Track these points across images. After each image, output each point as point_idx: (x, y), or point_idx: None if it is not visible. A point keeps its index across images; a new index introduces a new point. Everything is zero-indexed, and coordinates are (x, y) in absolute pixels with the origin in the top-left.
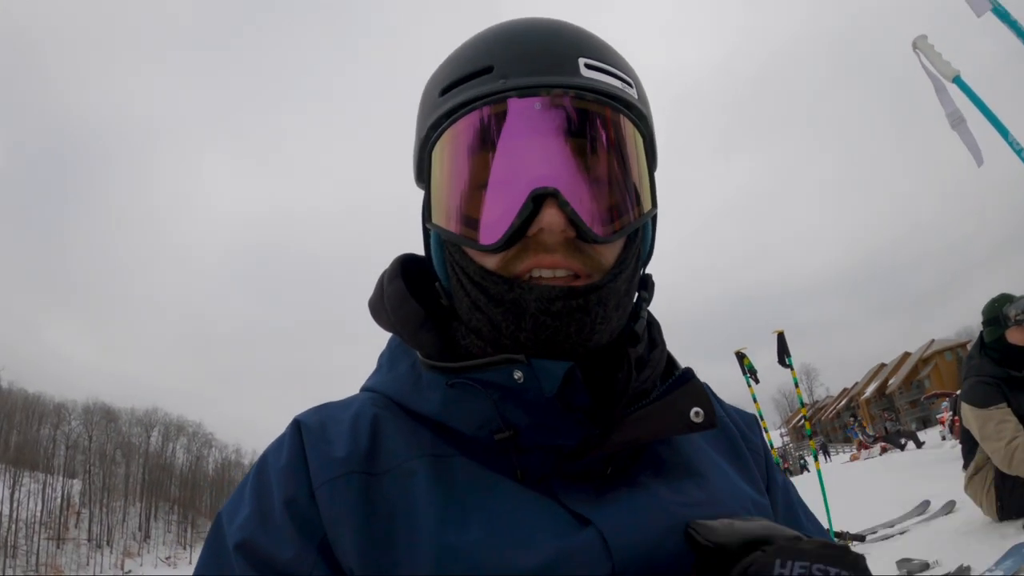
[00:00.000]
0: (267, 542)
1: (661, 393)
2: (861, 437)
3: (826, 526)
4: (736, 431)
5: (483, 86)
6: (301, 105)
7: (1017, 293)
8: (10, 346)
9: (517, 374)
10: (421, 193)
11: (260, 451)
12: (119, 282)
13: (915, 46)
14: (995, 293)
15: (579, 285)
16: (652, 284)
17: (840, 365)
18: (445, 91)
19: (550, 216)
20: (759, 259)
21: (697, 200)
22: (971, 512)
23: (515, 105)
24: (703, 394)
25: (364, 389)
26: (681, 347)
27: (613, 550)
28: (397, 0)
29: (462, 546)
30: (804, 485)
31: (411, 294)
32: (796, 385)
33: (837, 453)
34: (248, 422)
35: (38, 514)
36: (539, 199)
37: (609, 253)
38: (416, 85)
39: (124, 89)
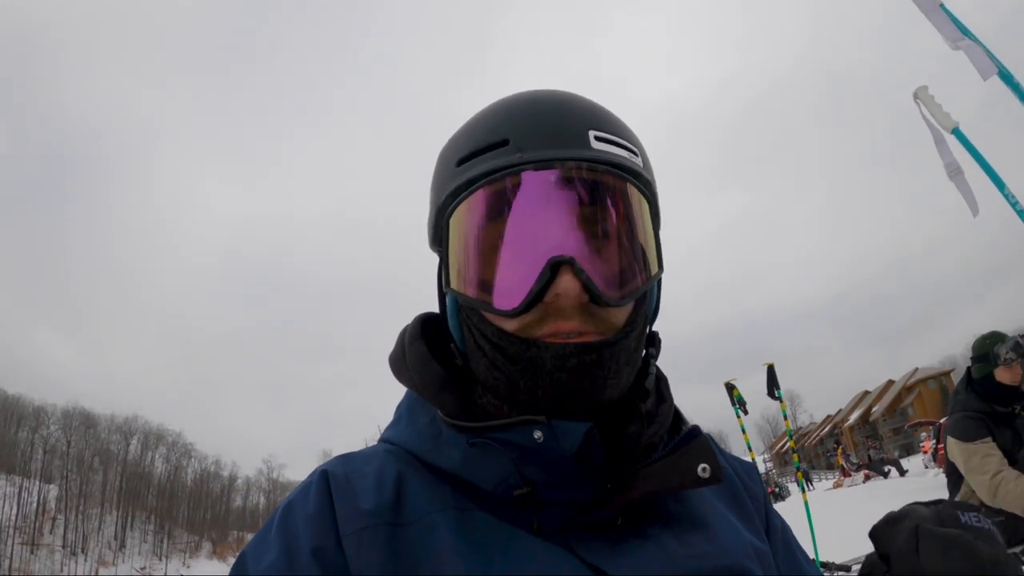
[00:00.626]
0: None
1: (671, 449)
2: (844, 464)
3: (812, 555)
4: (738, 481)
5: (500, 159)
6: (299, 115)
7: (999, 326)
8: None
9: (537, 434)
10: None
11: (240, 463)
12: (106, 285)
13: (916, 96)
14: (977, 324)
15: (592, 341)
16: (659, 341)
17: (824, 392)
18: (462, 161)
19: (566, 282)
20: (746, 288)
21: (685, 230)
22: None
23: (531, 178)
24: (709, 450)
25: (384, 440)
26: (667, 373)
27: None
28: (398, 15)
29: None
30: (787, 512)
31: (431, 354)
32: (785, 417)
33: (820, 480)
34: (229, 433)
35: (12, 518)
36: (556, 266)
37: (620, 314)
38: (416, 105)
39: (117, 92)
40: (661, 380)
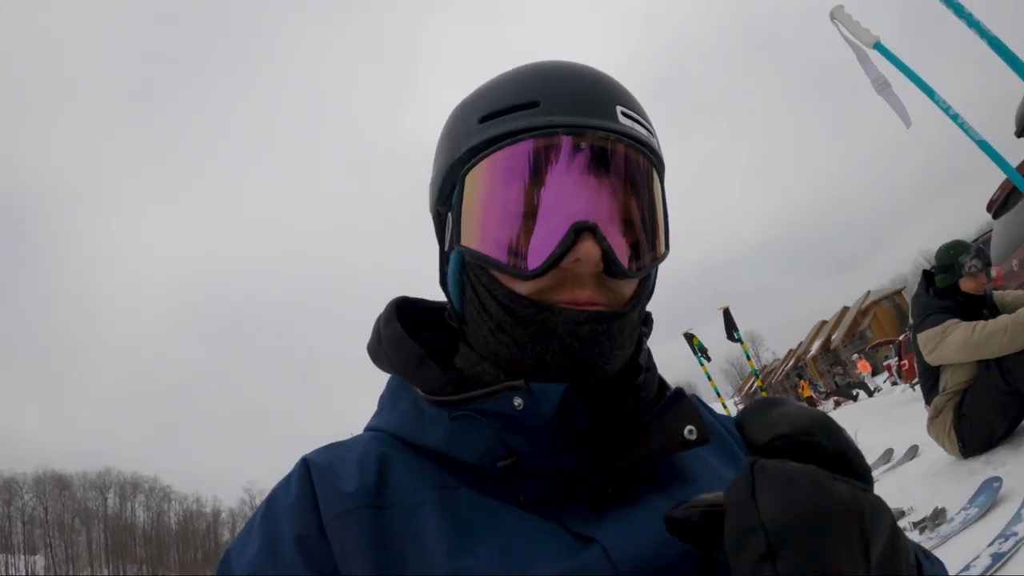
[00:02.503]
0: (289, 562)
1: (656, 414)
2: (813, 394)
3: None
4: (728, 435)
5: (530, 119)
6: (232, 147)
7: (945, 238)
8: None
9: (517, 401)
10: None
11: (221, 497)
12: (57, 350)
13: (832, 16)
14: (922, 241)
15: (605, 311)
16: (651, 320)
17: (783, 329)
18: (486, 119)
19: (587, 248)
20: (690, 239)
21: None
22: (935, 453)
23: (563, 141)
24: (695, 412)
25: (368, 429)
26: None
27: (617, 564)
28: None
29: (472, 570)
30: None
31: (408, 334)
32: (748, 358)
33: None
34: (203, 470)
35: None
36: (579, 232)
37: (628, 288)
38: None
39: (36, 148)
40: (646, 351)
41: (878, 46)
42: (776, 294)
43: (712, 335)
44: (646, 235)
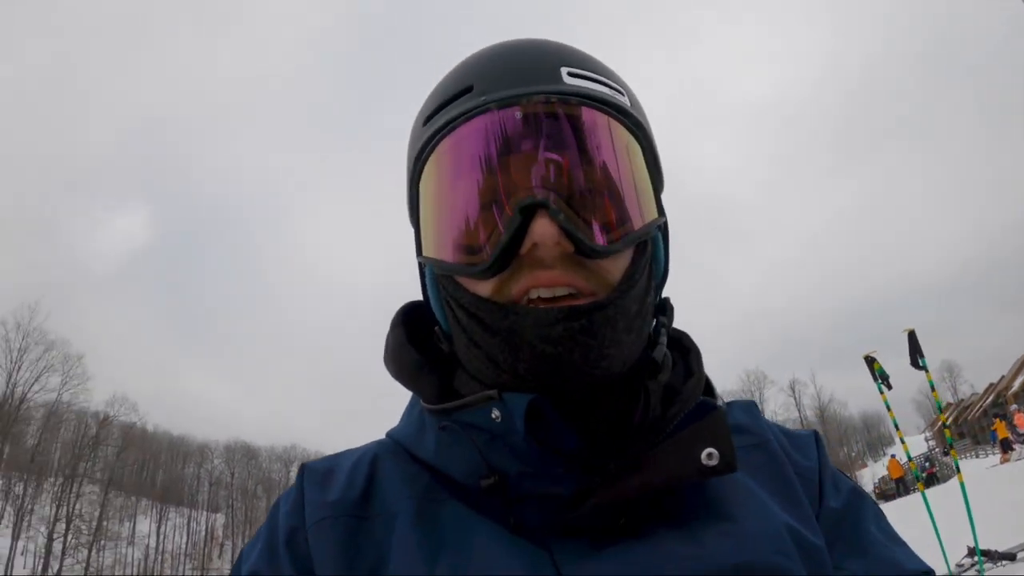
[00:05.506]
0: (272, 562)
1: (671, 431)
2: (1011, 436)
3: (970, 542)
4: (781, 454)
5: (463, 105)
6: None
7: None
8: (158, 396)
9: (495, 413)
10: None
11: None
12: (258, 333)
13: None
14: None
15: (581, 304)
16: (671, 308)
17: (986, 359)
18: (428, 119)
19: (541, 227)
20: (871, 269)
21: (805, 218)
22: None
23: (494, 117)
24: (721, 431)
25: (387, 434)
26: (806, 361)
27: None
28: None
29: None
30: (946, 496)
31: (416, 341)
32: (932, 388)
33: (985, 456)
34: None
35: (183, 546)
36: (528, 211)
37: (615, 268)
38: None
39: (239, 161)
40: (692, 352)
41: None
42: (971, 324)
43: (899, 365)
44: (621, 201)
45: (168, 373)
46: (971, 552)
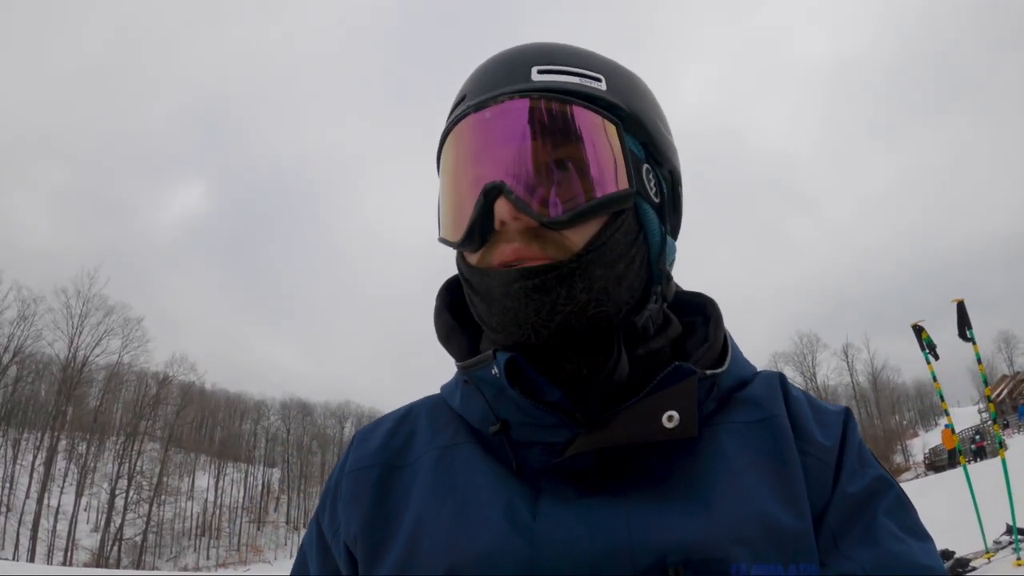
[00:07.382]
0: (321, 515)
1: (646, 391)
2: None
3: (1008, 522)
4: (789, 432)
5: (456, 112)
6: None
7: None
8: (216, 356)
9: (494, 370)
10: None
11: None
12: (315, 295)
13: None
14: None
15: (535, 265)
16: (671, 282)
17: None
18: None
19: (499, 207)
20: (941, 230)
21: (864, 184)
22: None
23: (470, 119)
24: (687, 395)
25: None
26: (860, 325)
27: (541, 561)
28: None
29: (431, 519)
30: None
31: (454, 308)
32: (979, 361)
33: None
34: None
35: (241, 500)
36: (490, 193)
37: (577, 237)
38: None
39: (303, 134)
40: (712, 320)
41: None
42: None
43: (953, 333)
44: (573, 176)
45: (226, 335)
46: (1009, 530)
